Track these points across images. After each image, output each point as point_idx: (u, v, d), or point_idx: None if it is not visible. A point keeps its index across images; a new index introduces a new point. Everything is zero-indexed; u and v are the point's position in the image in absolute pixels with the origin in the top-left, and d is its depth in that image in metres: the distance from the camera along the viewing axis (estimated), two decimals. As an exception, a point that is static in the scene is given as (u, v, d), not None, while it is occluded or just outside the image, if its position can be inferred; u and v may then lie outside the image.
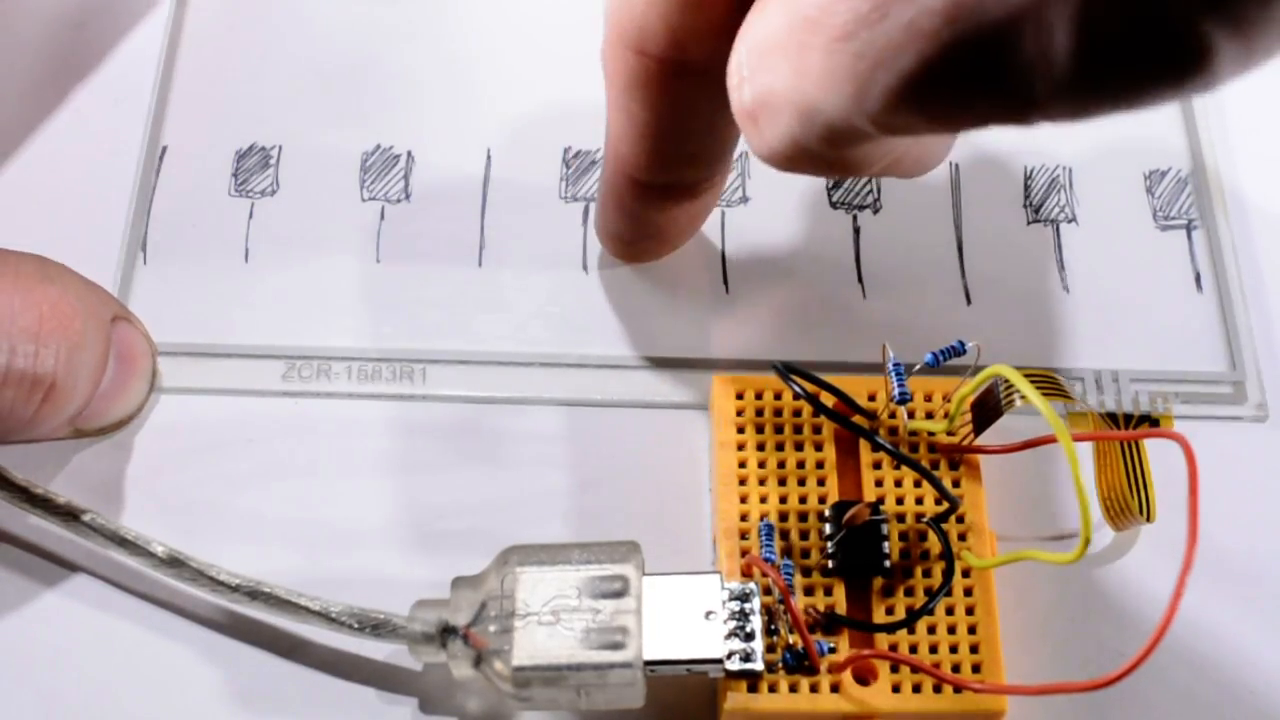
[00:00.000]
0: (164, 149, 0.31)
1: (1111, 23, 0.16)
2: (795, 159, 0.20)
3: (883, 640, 0.24)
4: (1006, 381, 0.25)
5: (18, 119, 0.31)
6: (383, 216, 0.31)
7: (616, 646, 0.23)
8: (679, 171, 0.26)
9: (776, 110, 0.19)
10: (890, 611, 0.25)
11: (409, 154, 0.31)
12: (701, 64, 0.22)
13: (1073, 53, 0.16)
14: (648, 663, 0.23)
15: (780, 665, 0.24)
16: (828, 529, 0.25)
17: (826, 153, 0.20)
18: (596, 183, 0.31)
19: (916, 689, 0.24)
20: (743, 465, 0.26)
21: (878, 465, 0.26)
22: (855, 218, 0.31)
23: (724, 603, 0.24)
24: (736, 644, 0.23)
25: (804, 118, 0.19)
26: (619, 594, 0.24)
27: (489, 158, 0.31)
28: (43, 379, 0.24)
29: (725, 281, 0.30)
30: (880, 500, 0.26)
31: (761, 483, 0.26)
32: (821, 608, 0.25)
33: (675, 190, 0.27)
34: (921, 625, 0.24)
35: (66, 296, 0.25)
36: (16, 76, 0.32)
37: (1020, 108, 0.17)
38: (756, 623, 0.24)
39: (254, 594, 0.25)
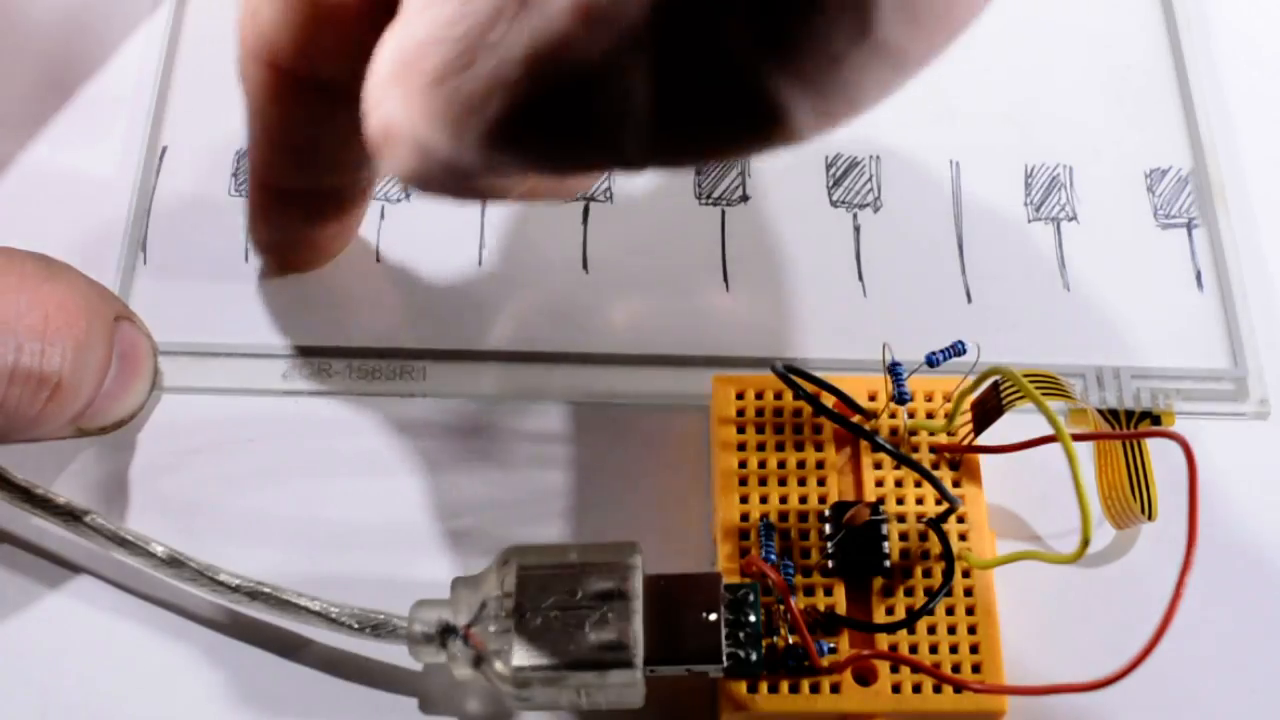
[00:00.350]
0: (164, 149, 0.31)
1: (686, 84, 0.16)
2: (423, 186, 0.20)
3: (883, 640, 0.24)
4: (1006, 381, 0.25)
5: (19, 119, 0.31)
6: (383, 216, 0.31)
7: (617, 647, 0.23)
8: (316, 179, 0.26)
9: (396, 142, 0.19)
10: (890, 611, 0.25)
11: (409, 154, 0.31)
12: (333, 79, 0.22)
13: (653, 109, 0.16)
14: (648, 663, 0.23)
15: (780, 665, 0.24)
16: (828, 529, 0.25)
17: (450, 183, 0.20)
18: (599, 181, 0.31)
19: (916, 689, 0.24)
20: (743, 465, 0.26)
21: (878, 465, 0.26)
22: (855, 217, 0.31)
23: (724, 603, 0.24)
24: (737, 645, 0.23)
25: (418, 153, 0.19)
26: (619, 594, 0.24)
27: (489, 157, 0.31)
28: (49, 377, 0.24)
29: (725, 281, 0.30)
30: (880, 500, 0.26)
31: (761, 483, 0.26)
32: (821, 608, 0.25)
33: (316, 198, 0.27)
34: (921, 625, 0.24)
35: (71, 295, 0.25)
36: (17, 76, 0.32)
37: (611, 157, 0.18)
38: (756, 623, 0.24)
39: (254, 594, 0.25)
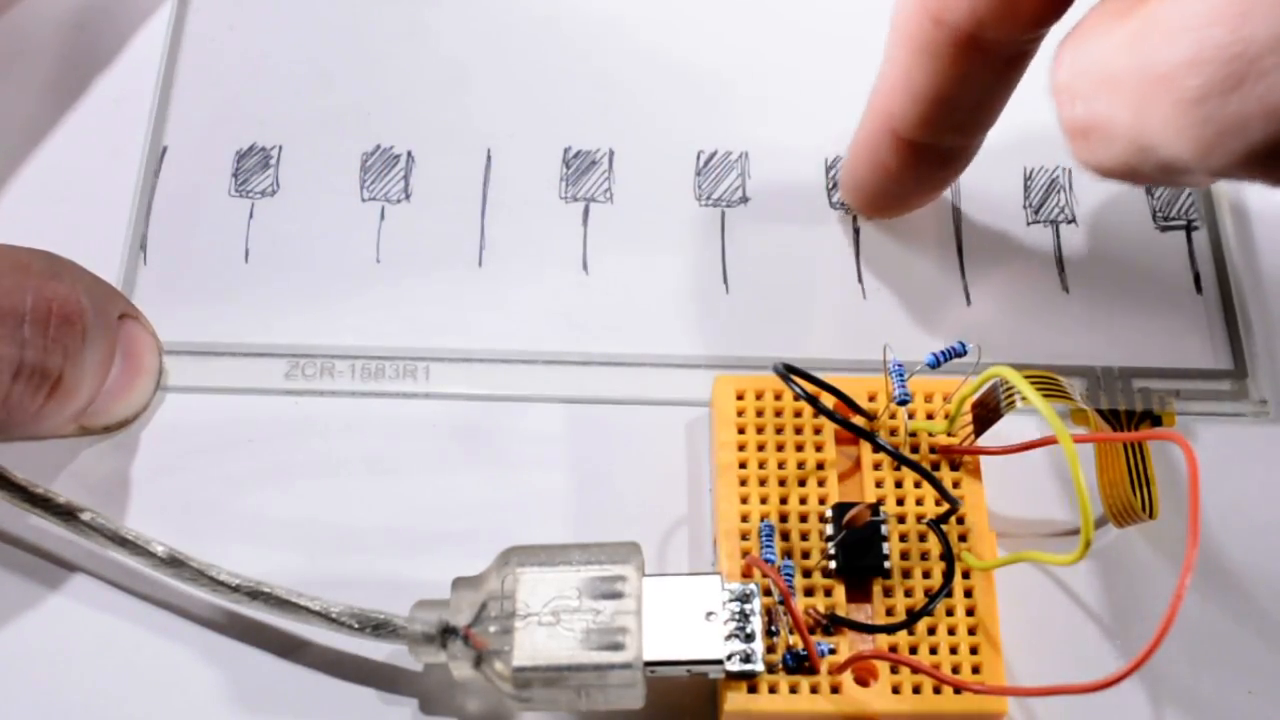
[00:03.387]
0: (165, 149, 0.31)
1: None
2: (1122, 178, 0.21)
3: (883, 641, 0.24)
4: (1007, 382, 0.25)
5: (20, 119, 0.31)
6: (383, 216, 0.31)
7: (617, 647, 0.23)
8: (943, 136, 0.27)
9: (1111, 138, 0.20)
10: (890, 612, 0.25)
11: (409, 154, 0.31)
12: (994, 43, 0.23)
13: None
14: (648, 663, 0.23)
15: (780, 666, 0.24)
16: (828, 530, 0.25)
17: (1156, 178, 0.21)
18: (599, 181, 0.31)
19: (916, 690, 0.24)
20: (743, 466, 0.26)
21: (878, 466, 0.26)
22: (855, 218, 0.31)
23: (724, 604, 0.24)
24: (737, 645, 0.23)
25: (1140, 152, 0.20)
26: (619, 595, 0.24)
27: (489, 158, 0.31)
28: (50, 374, 0.24)
29: (725, 281, 0.30)
30: (880, 501, 0.26)
31: (762, 483, 0.26)
32: (822, 609, 0.25)
33: (931, 152, 0.27)
34: (922, 626, 0.24)
35: (75, 293, 0.25)
36: (19, 77, 0.32)
37: None
38: (757, 624, 0.24)
39: (254, 594, 0.25)
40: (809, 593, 0.25)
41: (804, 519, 0.26)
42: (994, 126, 0.27)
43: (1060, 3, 0.23)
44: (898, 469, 0.26)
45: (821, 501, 0.26)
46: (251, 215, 0.31)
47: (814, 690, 0.24)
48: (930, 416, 0.26)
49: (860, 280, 0.30)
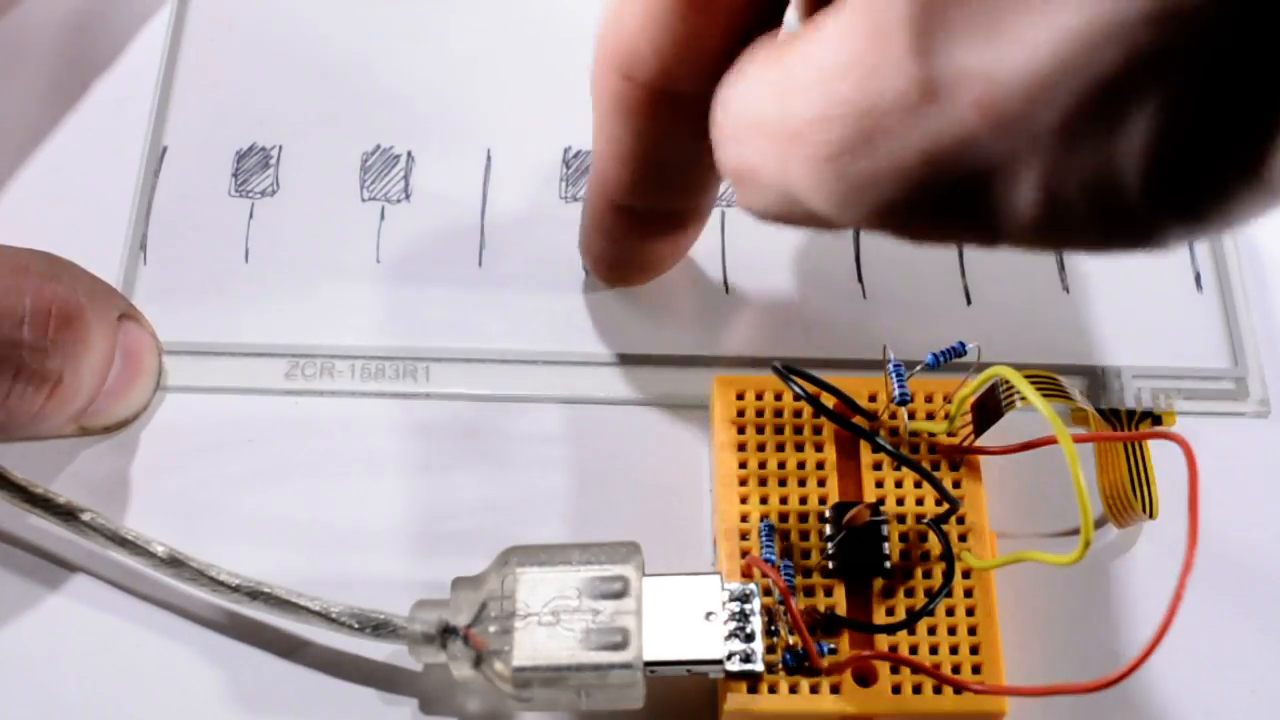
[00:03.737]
0: (165, 149, 0.31)
1: (1071, 195, 0.16)
2: (778, 222, 0.20)
3: (883, 641, 0.24)
4: (1007, 382, 0.25)
5: (20, 120, 0.31)
6: (383, 216, 0.31)
7: (617, 647, 0.23)
8: (661, 199, 0.26)
9: (759, 186, 0.19)
10: (890, 612, 0.25)
11: (409, 154, 0.31)
12: (690, 95, 0.22)
13: (1035, 208, 0.16)
14: (648, 663, 0.23)
15: (780, 666, 0.24)
16: (828, 530, 0.25)
17: (810, 224, 0.20)
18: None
19: (917, 690, 0.24)
20: (743, 466, 0.26)
21: (878, 466, 0.26)
22: (855, 218, 0.31)
23: (724, 603, 0.24)
24: (736, 645, 0.23)
25: (787, 202, 0.19)
26: (619, 595, 0.24)
27: (489, 158, 0.31)
28: (49, 375, 0.25)
29: (725, 281, 0.30)
30: (880, 501, 0.26)
31: (762, 483, 0.26)
32: (822, 608, 0.25)
33: (657, 218, 0.26)
34: (922, 626, 0.24)
35: (75, 293, 0.25)
36: (19, 77, 0.32)
37: (988, 238, 0.18)
38: (757, 624, 0.24)
39: (254, 594, 0.25)
40: (809, 592, 0.25)
41: (804, 519, 0.26)
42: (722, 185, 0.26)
43: (740, 48, 0.21)
44: (898, 469, 0.26)
45: (821, 501, 0.26)
46: (251, 215, 0.31)
47: (814, 690, 0.24)
48: (930, 416, 0.26)
49: (860, 280, 0.30)
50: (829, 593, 0.25)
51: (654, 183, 0.25)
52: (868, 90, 0.17)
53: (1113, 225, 0.16)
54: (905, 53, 0.16)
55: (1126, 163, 0.15)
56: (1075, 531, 0.22)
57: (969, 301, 0.30)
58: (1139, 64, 0.15)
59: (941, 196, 0.17)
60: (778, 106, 0.18)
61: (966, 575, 0.25)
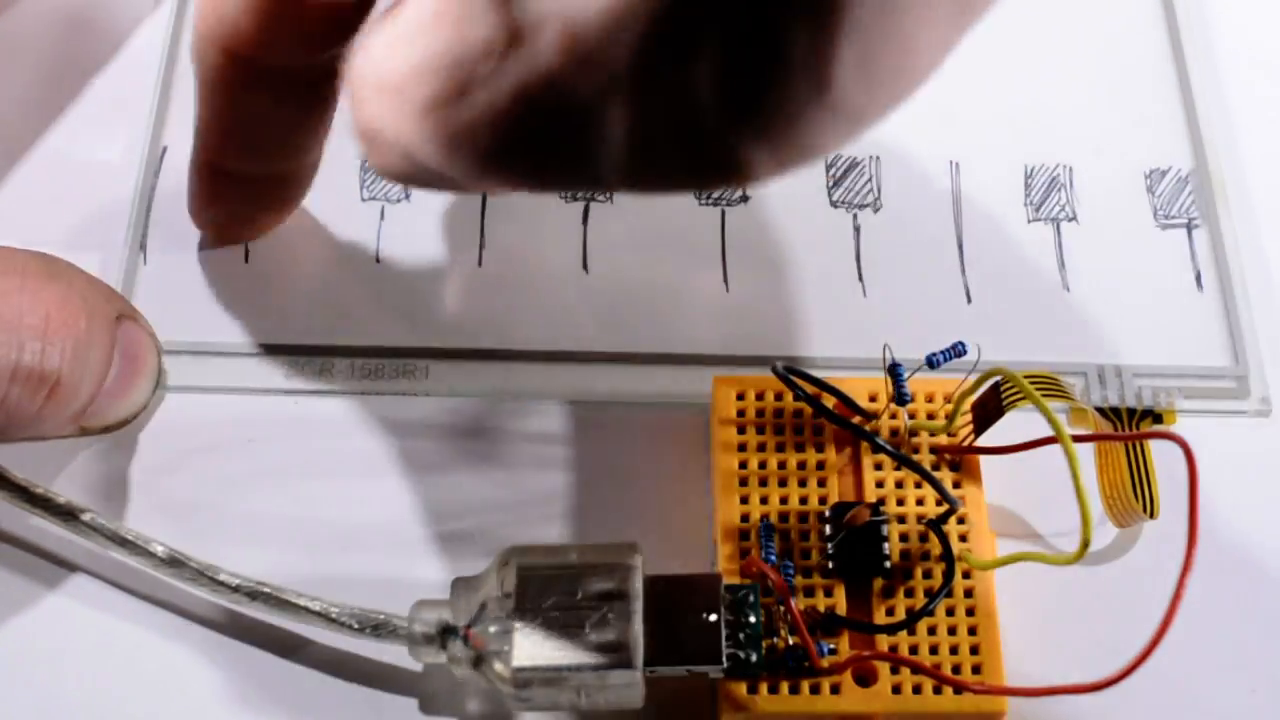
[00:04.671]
0: (165, 149, 0.31)
1: (658, 125, 0.17)
2: (410, 184, 0.21)
3: (883, 641, 0.24)
4: (1007, 382, 0.25)
5: (20, 119, 0.31)
6: (383, 216, 0.31)
7: (616, 648, 0.23)
8: (263, 164, 0.27)
9: (384, 146, 0.19)
10: (890, 612, 0.25)
11: (409, 153, 0.31)
12: (290, 69, 0.23)
13: (628, 144, 0.17)
14: (648, 663, 0.23)
15: (780, 666, 0.24)
16: (828, 530, 0.25)
17: (439, 185, 0.20)
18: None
19: (916, 690, 0.24)
20: (743, 466, 0.26)
21: (878, 466, 0.26)
22: (855, 216, 0.31)
23: (724, 604, 0.24)
24: (736, 645, 0.23)
25: (405, 160, 0.19)
26: (619, 595, 0.24)
27: (489, 157, 0.31)
28: (48, 376, 0.25)
29: (725, 281, 0.30)
30: (880, 501, 0.26)
31: (761, 483, 0.26)
32: (821, 609, 0.25)
33: (263, 181, 0.28)
34: (922, 626, 0.24)
35: (72, 294, 0.25)
36: (19, 77, 0.32)
37: (589, 182, 0.19)
38: (757, 624, 0.24)
39: (254, 594, 0.25)
40: (809, 593, 0.25)
41: (803, 519, 0.26)
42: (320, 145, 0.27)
43: (345, 22, 0.22)
44: (898, 469, 0.26)
45: (821, 501, 0.26)
46: (251, 215, 0.30)
47: (814, 690, 0.24)
48: (930, 416, 0.26)
49: (860, 280, 0.30)
50: (829, 593, 0.25)
51: (257, 149, 0.27)
52: (456, 40, 0.17)
53: (700, 157, 0.17)
54: (489, 1, 0.17)
55: (701, 90, 0.16)
56: (1075, 531, 0.22)
57: (969, 301, 0.30)
58: None
59: (539, 142, 0.18)
60: (386, 62, 0.19)
61: (966, 575, 0.25)
